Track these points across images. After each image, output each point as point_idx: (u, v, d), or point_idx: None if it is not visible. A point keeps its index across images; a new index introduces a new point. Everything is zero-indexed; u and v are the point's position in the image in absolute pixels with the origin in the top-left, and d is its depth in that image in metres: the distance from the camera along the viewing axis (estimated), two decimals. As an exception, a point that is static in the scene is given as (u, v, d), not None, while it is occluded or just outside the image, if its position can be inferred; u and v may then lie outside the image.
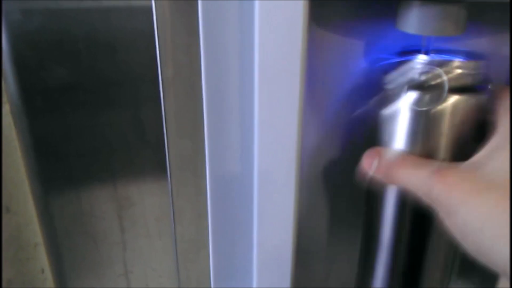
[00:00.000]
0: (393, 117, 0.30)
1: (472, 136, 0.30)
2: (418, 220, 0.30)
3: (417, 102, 0.29)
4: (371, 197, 0.34)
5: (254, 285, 0.41)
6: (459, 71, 0.29)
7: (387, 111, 0.30)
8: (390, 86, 0.31)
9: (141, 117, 0.43)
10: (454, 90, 0.29)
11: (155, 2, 0.36)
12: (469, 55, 0.30)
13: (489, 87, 0.30)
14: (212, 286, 0.44)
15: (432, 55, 0.30)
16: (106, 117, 0.43)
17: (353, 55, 0.34)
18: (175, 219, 0.44)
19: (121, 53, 0.41)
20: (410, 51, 0.31)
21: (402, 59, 0.31)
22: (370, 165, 0.31)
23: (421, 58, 0.30)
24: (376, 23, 0.33)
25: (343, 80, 0.35)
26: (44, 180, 0.46)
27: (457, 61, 0.29)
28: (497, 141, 0.28)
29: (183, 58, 0.38)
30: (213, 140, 0.38)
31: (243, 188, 0.38)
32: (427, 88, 0.29)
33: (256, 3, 0.29)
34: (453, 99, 0.29)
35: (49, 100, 0.42)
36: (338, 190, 0.40)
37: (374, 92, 0.32)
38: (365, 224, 0.36)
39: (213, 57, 0.34)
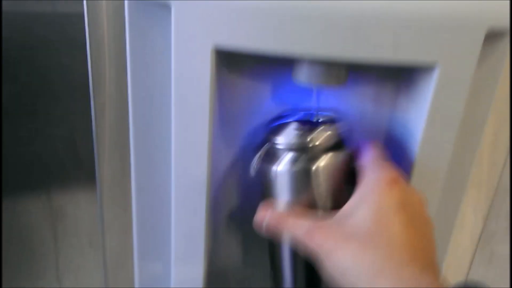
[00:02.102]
0: (278, 173, 0.36)
1: (346, 182, 0.36)
2: (310, 262, 0.35)
3: (295, 162, 0.35)
4: (272, 243, 0.40)
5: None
6: (326, 133, 0.35)
7: (274, 167, 0.36)
8: (274, 146, 0.36)
9: (74, 135, 0.46)
10: (324, 149, 0.35)
11: (89, 40, 0.40)
12: (336, 113, 0.37)
13: (348, 144, 0.37)
14: (137, 292, 0.49)
15: (308, 117, 0.37)
16: (42, 132, 0.46)
17: (260, 97, 0.40)
18: (104, 231, 0.48)
19: (58, 72, 0.45)
20: (294, 113, 0.38)
21: (286, 120, 0.37)
22: (263, 217, 0.37)
23: (297, 125, 0.36)
24: (280, 72, 0.39)
25: (252, 120, 0.40)
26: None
27: (324, 126, 0.35)
28: (360, 194, 0.34)
29: (113, 87, 0.42)
30: (139, 159, 0.42)
31: (165, 203, 0.43)
32: (303, 150, 0.35)
33: (172, 54, 0.34)
34: (324, 156, 0.35)
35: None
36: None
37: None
38: (271, 265, 0.42)
39: (139, 91, 0.39)
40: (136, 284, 0.48)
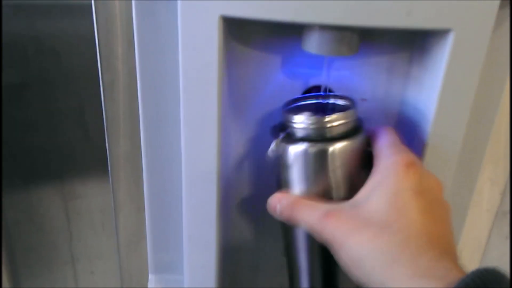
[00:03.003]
0: (294, 155, 0.36)
1: (362, 167, 0.36)
2: (325, 247, 0.34)
3: (312, 144, 0.35)
4: (286, 228, 0.40)
5: (184, 271, 0.45)
6: (337, 123, 0.35)
7: (290, 149, 0.36)
8: (291, 128, 0.36)
9: (85, 118, 0.47)
10: (341, 133, 0.35)
11: (96, 22, 0.40)
12: (346, 99, 0.37)
13: (364, 129, 0.36)
14: (149, 272, 0.49)
15: (322, 100, 0.38)
16: (53, 117, 0.46)
17: (270, 68, 0.39)
18: (116, 212, 0.48)
19: (66, 57, 0.45)
20: (310, 96, 0.38)
21: (304, 103, 0.37)
22: (275, 208, 0.36)
23: (315, 109, 0.36)
24: (289, 42, 0.38)
25: (262, 91, 0.40)
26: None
27: (334, 115, 0.35)
28: (376, 179, 0.33)
29: (121, 66, 0.42)
30: (149, 141, 0.42)
31: (175, 184, 0.43)
32: (320, 133, 0.35)
33: (179, 23, 0.33)
34: (341, 140, 0.35)
35: None
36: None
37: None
38: (286, 252, 0.42)
39: (148, 68, 0.39)
40: (150, 267, 0.48)
